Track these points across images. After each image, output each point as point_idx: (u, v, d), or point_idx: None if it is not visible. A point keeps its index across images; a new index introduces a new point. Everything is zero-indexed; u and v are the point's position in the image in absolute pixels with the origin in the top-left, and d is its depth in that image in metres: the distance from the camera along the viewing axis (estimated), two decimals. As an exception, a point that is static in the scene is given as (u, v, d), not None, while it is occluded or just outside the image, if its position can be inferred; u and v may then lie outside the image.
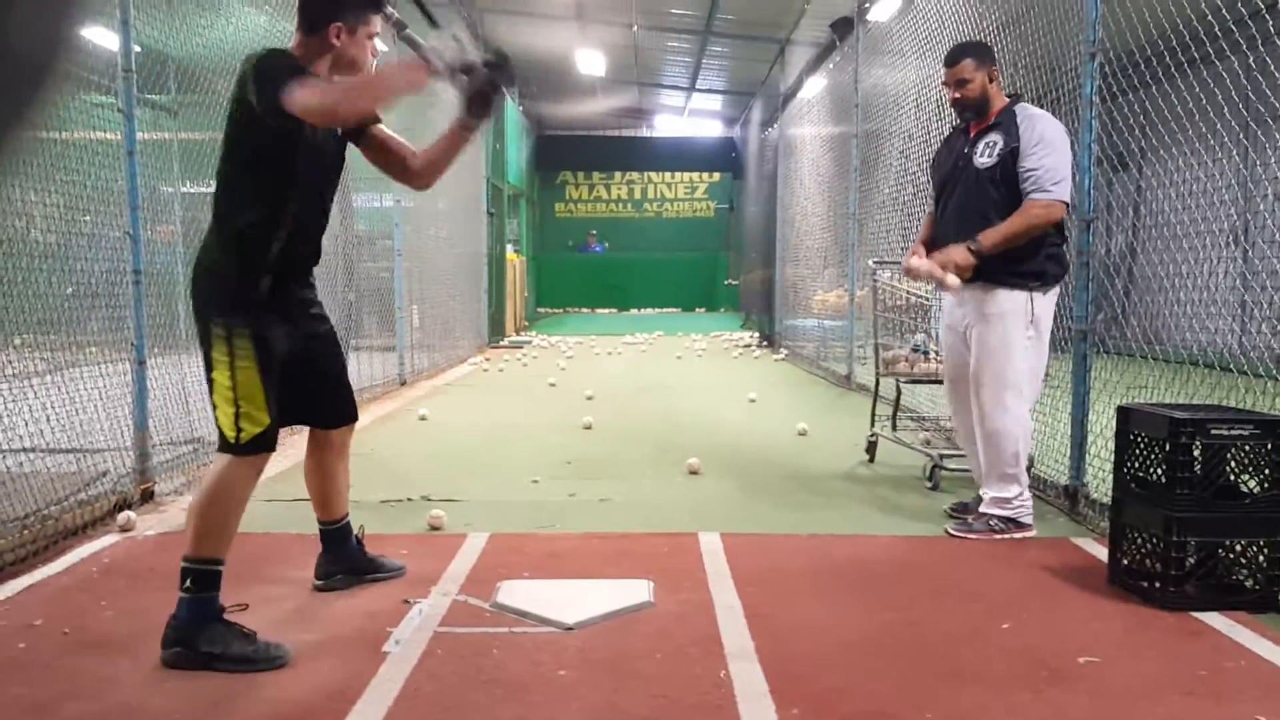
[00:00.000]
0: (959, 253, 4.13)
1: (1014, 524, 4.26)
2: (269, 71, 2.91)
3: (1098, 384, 4.73)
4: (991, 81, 4.31)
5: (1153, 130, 4.86)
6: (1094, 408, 4.69)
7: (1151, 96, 4.75)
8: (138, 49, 4.81)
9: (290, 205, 3.13)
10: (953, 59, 4.36)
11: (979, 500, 4.42)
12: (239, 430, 3.04)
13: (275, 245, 3.12)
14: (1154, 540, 3.48)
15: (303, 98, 2.82)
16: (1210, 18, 4.25)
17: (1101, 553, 3.95)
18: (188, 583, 2.97)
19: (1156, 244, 6.05)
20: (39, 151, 4.64)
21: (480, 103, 3.12)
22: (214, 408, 3.09)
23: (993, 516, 4.27)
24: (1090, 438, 4.67)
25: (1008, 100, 4.34)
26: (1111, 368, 4.85)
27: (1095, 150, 4.60)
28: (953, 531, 4.31)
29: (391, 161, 3.41)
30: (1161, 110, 4.76)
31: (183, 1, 5.68)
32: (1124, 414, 3.68)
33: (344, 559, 3.65)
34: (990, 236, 4.10)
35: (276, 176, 3.10)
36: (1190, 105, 4.60)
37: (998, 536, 4.22)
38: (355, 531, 3.71)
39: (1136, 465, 3.61)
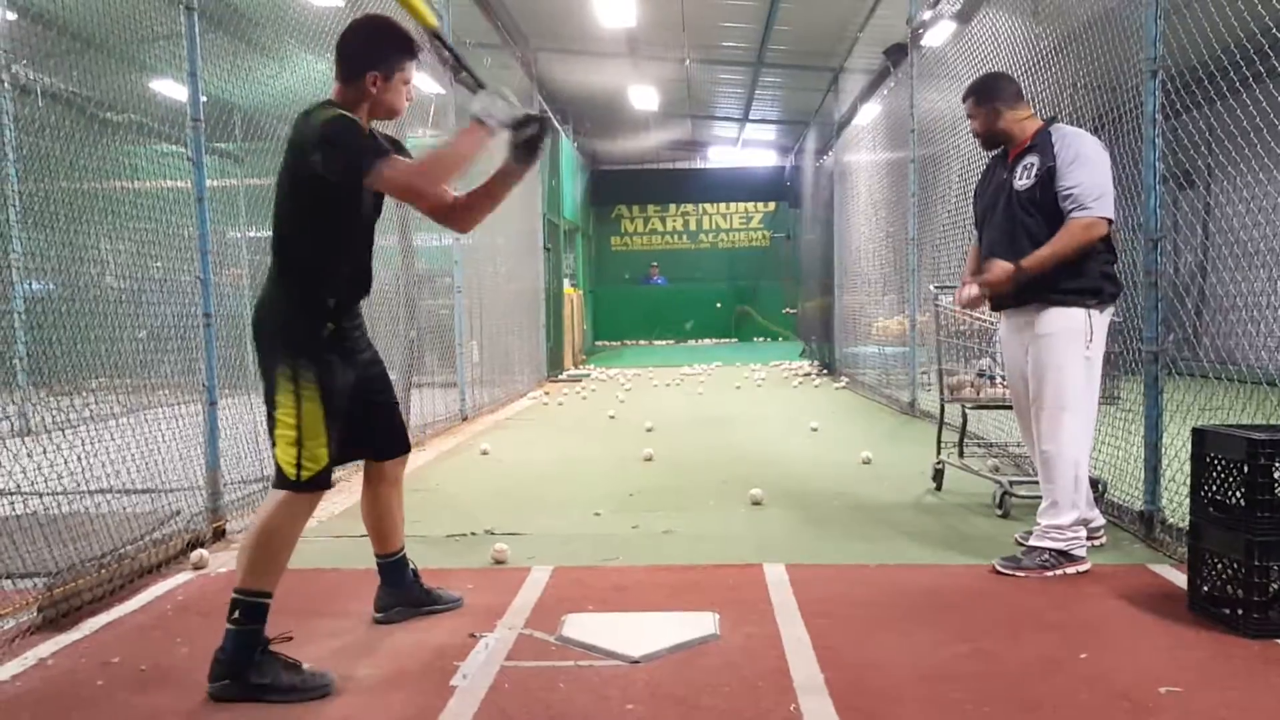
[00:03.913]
0: (999, 267, 4.11)
1: (1065, 558, 4.09)
2: (343, 142, 3.05)
3: (1170, 406, 4.62)
4: (1003, 114, 4.32)
5: (1219, 147, 4.77)
6: (1167, 430, 4.58)
7: (1216, 112, 4.67)
8: (205, 99, 4.95)
9: (347, 250, 3.27)
10: (963, 97, 4.47)
11: (1028, 534, 4.31)
12: (300, 468, 3.09)
13: (336, 288, 3.24)
14: (1235, 565, 3.37)
15: (392, 180, 3.07)
16: (1275, 31, 4.17)
17: (1180, 579, 3.84)
18: (236, 614, 3.02)
19: (1228, 262, 5.90)
20: (114, 201, 4.80)
21: (528, 151, 3.29)
22: (273, 444, 3.15)
23: (1044, 551, 4.12)
24: (1165, 461, 4.56)
25: (1042, 123, 4.33)
26: (1184, 389, 4.73)
27: (1160, 168, 4.52)
28: (1001, 569, 4.14)
29: (433, 204, 3.45)
30: (1228, 126, 4.67)
31: (247, 52, 5.84)
32: (1200, 436, 3.58)
33: (402, 591, 3.70)
34: (1033, 258, 4.07)
35: (335, 225, 3.22)
36: (1258, 120, 4.51)
37: (1049, 574, 4.06)
38: (411, 565, 3.75)
39: (1214, 488, 3.51)
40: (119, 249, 4.76)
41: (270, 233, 3.26)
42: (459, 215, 3.47)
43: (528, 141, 3.26)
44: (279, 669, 2.99)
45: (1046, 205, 4.12)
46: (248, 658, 2.98)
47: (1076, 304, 4.09)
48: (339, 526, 5.19)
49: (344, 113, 3.15)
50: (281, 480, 3.11)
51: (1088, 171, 4.06)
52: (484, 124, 3.15)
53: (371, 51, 3.25)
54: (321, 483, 3.14)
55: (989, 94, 4.37)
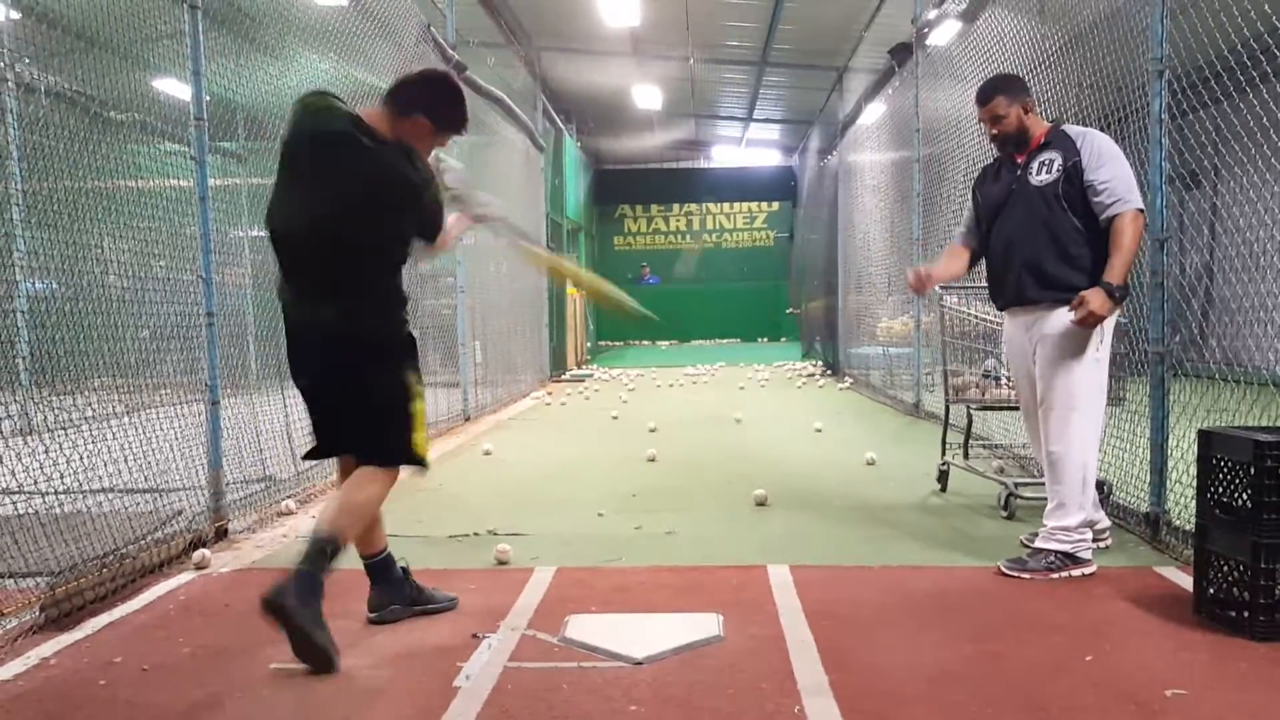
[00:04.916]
0: (1099, 300, 3.95)
1: (1071, 560, 4.07)
2: (433, 194, 3.52)
3: (1176, 407, 4.60)
4: (1027, 112, 4.29)
5: (1226, 147, 4.75)
6: (1173, 432, 4.56)
7: (1223, 113, 4.64)
8: (208, 98, 4.94)
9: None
10: (984, 97, 4.36)
11: (1034, 535, 4.29)
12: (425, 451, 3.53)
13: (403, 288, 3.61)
14: (1241, 568, 3.36)
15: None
16: (1282, 30, 4.15)
17: (1186, 581, 3.82)
18: (324, 555, 3.19)
19: (1234, 263, 5.88)
20: (117, 200, 4.79)
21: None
22: (409, 431, 3.47)
23: (1050, 553, 4.10)
24: (1170, 463, 4.54)
25: (1049, 125, 4.32)
26: (1190, 390, 4.71)
27: (1166, 169, 4.50)
28: (1006, 570, 4.12)
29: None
30: (1234, 126, 4.65)
31: (250, 52, 5.83)
32: (1206, 438, 3.56)
33: (394, 589, 3.69)
34: (1115, 271, 3.97)
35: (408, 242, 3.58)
36: (1265, 120, 4.49)
37: (1054, 576, 4.05)
38: (400, 563, 3.75)
39: (1220, 490, 3.50)
40: (122, 248, 4.75)
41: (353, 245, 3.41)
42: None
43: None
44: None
45: (1074, 199, 4.10)
46: (316, 595, 3.14)
47: None
48: (342, 526, 5.17)
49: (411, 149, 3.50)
50: (414, 459, 3.49)
51: (1116, 167, 4.06)
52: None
53: (436, 109, 3.52)
54: None
55: (1018, 88, 4.34)
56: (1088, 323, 3.98)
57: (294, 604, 3.04)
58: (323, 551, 3.18)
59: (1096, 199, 4.05)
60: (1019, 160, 4.30)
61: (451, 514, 5.42)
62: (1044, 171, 4.17)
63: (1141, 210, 4.05)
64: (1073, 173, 4.09)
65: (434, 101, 3.54)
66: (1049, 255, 4.14)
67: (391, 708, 2.90)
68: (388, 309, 3.51)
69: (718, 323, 25.37)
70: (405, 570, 3.73)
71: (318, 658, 3.09)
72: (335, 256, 3.38)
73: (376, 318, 3.48)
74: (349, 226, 3.36)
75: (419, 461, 3.53)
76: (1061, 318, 4.10)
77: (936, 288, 5.80)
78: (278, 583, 3.08)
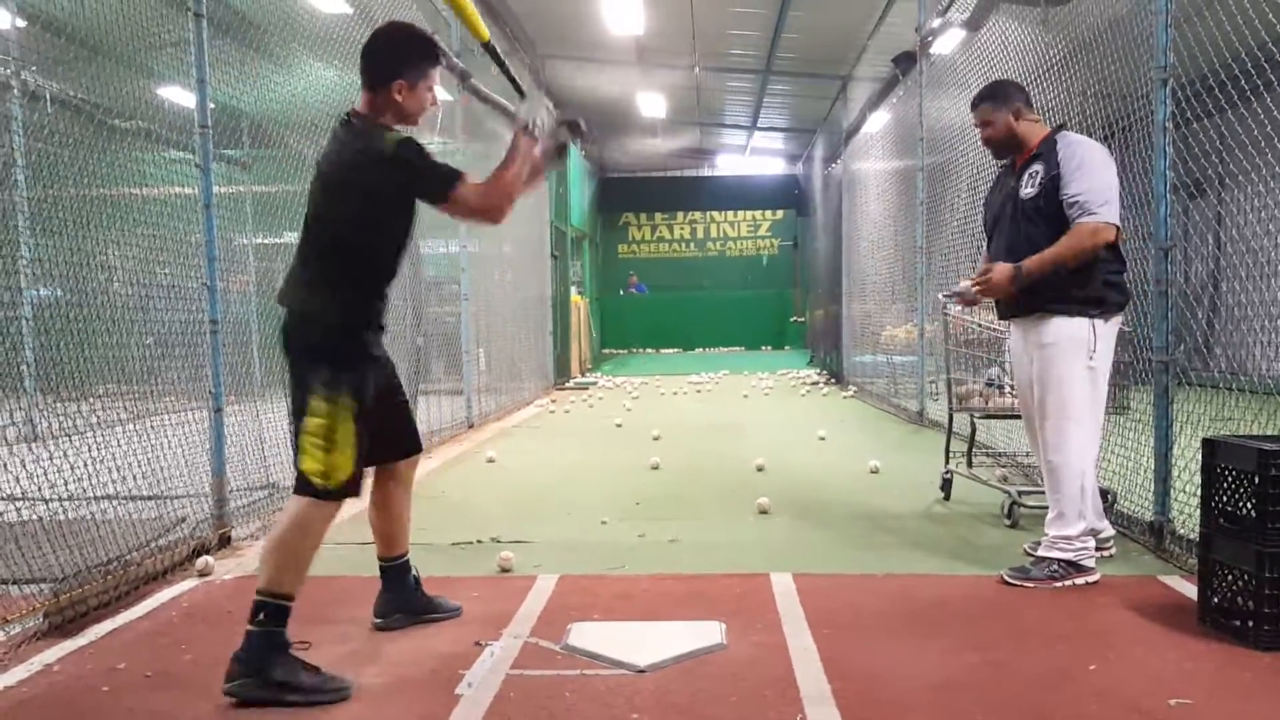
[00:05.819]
0: (1001, 276, 4.10)
1: (1074, 568, 4.07)
2: (424, 165, 3.21)
3: (1181, 416, 4.59)
4: (1019, 119, 4.29)
5: (1230, 155, 4.74)
6: (1178, 441, 4.55)
7: (1227, 121, 4.64)
8: (213, 106, 4.95)
9: (397, 261, 3.36)
10: (974, 104, 4.43)
11: (1037, 544, 4.29)
12: (326, 478, 3.11)
13: (381, 300, 3.34)
14: (1246, 577, 3.35)
15: (466, 201, 3.22)
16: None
17: (1190, 591, 3.82)
18: (261, 615, 3.01)
19: (1239, 272, 5.87)
20: (121, 207, 4.80)
21: (561, 154, 3.57)
22: (299, 452, 3.15)
23: (1053, 561, 4.09)
24: (1175, 472, 4.53)
25: (1049, 130, 4.30)
26: (1195, 399, 4.70)
27: (1170, 177, 4.49)
28: (1010, 579, 4.12)
29: (496, 218, 3.44)
30: (1239, 134, 4.65)
31: (255, 60, 5.85)
32: (1210, 446, 3.56)
33: (403, 597, 3.69)
34: (1034, 260, 4.04)
35: (394, 237, 3.32)
36: (1269, 128, 4.49)
37: (1057, 584, 4.04)
38: (414, 572, 3.73)
39: (1225, 499, 3.49)
40: (126, 255, 4.76)
41: (308, 242, 3.28)
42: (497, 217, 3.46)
43: (561, 145, 3.53)
44: (300, 669, 3.00)
45: (1051, 213, 4.08)
46: (269, 657, 2.98)
47: (1079, 314, 4.06)
48: (345, 533, 5.17)
49: (409, 135, 3.27)
50: (306, 488, 3.12)
51: (1092, 178, 4.02)
52: (532, 134, 3.34)
53: (398, 60, 3.31)
54: (348, 492, 3.17)
55: (1005, 96, 4.35)
56: (986, 293, 4.25)
57: (256, 683, 2.94)
58: (258, 606, 3.02)
59: (1069, 212, 4.03)
60: (1017, 169, 4.31)
61: (455, 521, 5.42)
62: (1029, 185, 4.18)
63: (1109, 224, 4.00)
64: (1049, 186, 4.08)
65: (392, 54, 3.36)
66: None
67: (394, 715, 2.90)
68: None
69: (721, 331, 25.31)
70: (417, 580, 3.74)
71: (328, 695, 2.99)
72: None
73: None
74: None
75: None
76: (1053, 328, 4.10)
77: (940, 295, 5.81)
78: (230, 672, 2.97)
